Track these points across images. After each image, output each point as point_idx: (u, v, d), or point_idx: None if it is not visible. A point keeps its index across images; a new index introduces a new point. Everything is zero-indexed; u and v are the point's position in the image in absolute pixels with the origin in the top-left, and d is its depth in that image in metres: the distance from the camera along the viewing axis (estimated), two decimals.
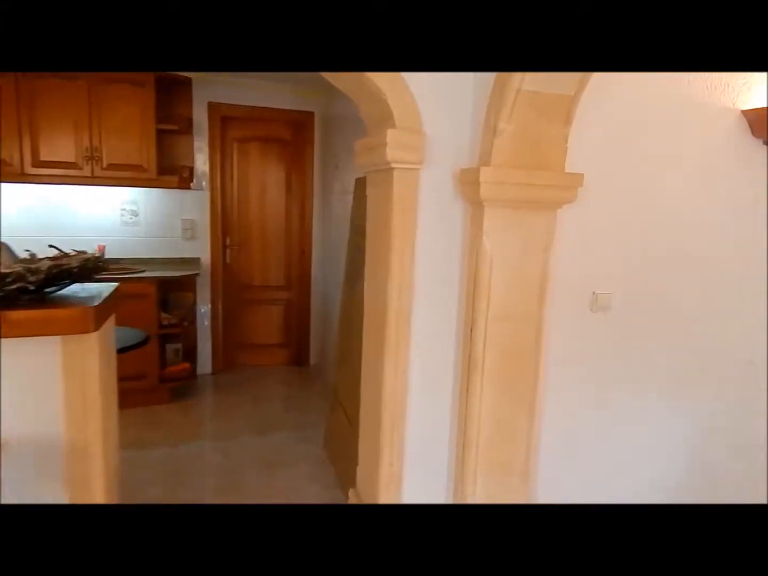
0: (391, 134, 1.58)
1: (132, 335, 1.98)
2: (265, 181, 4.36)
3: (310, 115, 4.29)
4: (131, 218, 3.85)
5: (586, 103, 1.62)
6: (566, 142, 1.64)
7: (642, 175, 1.98)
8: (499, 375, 1.71)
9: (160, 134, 3.64)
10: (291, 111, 4.23)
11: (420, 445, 1.84)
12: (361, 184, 2.60)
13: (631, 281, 2.05)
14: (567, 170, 1.66)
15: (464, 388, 1.74)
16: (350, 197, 2.98)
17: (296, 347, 4.55)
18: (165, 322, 3.45)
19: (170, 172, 3.76)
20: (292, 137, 4.36)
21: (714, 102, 2.04)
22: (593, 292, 1.99)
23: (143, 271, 3.51)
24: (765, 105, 2.02)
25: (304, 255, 4.45)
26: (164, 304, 3.61)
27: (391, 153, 1.59)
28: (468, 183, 1.64)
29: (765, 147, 2.14)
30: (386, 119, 1.64)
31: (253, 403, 3.68)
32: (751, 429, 2.49)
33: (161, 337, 3.48)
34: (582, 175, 1.65)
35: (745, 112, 2.06)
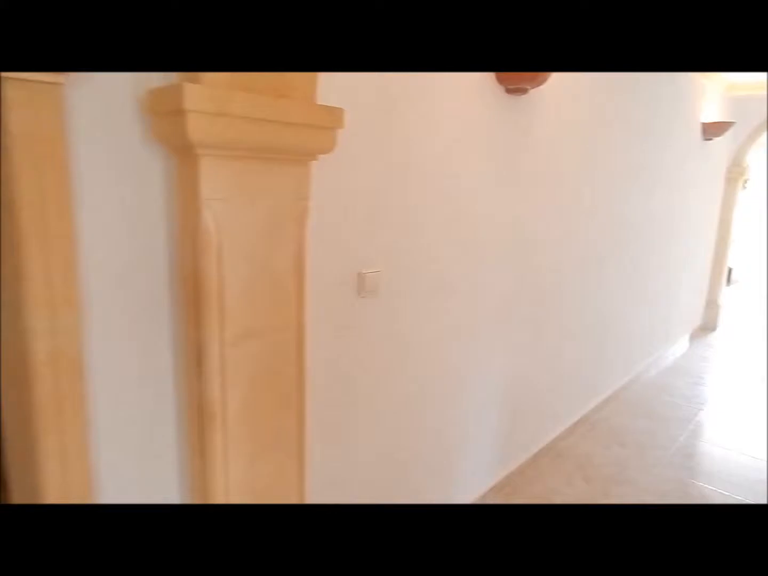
0: None
1: None
2: None
3: None
4: None
5: None
6: None
7: (397, 125, 1.58)
8: (251, 421, 1.11)
9: None
10: None
11: None
12: None
13: (398, 255, 1.67)
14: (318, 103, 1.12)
15: (197, 453, 1.09)
16: None
17: None
18: None
19: None
20: None
21: None
22: (358, 273, 1.54)
23: None
24: None
25: None
26: None
27: None
28: (165, 114, 0.95)
29: (508, 96, 1.97)
30: None
31: None
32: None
33: None
34: (342, 110, 1.12)
35: None
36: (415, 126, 1.62)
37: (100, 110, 0.93)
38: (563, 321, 2.80)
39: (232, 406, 1.06)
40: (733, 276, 8.40)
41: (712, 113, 4.42)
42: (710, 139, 4.47)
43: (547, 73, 1.92)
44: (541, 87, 2.03)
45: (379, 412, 1.71)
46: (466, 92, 1.79)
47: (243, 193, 1.04)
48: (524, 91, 1.96)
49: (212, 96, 0.91)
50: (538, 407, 2.74)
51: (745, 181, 5.59)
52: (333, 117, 1.11)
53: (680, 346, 4.98)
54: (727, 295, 6.43)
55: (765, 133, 5.20)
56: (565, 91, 2.30)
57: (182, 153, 0.98)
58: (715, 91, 4.44)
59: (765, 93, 4.74)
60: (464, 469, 2.22)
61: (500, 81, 1.91)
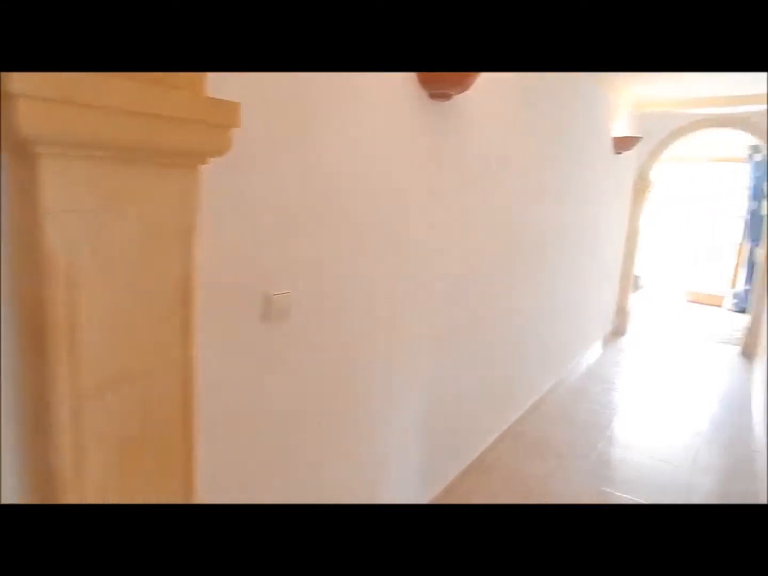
0: None
1: None
2: None
3: None
4: None
5: None
6: None
7: (309, 126, 1.40)
8: (120, 494, 0.88)
9: None
10: None
11: None
12: None
13: (312, 273, 1.49)
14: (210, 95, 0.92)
15: None
16: None
17: None
18: None
19: None
20: None
21: None
22: (265, 295, 1.34)
23: None
24: None
25: None
26: None
27: None
28: None
29: (431, 101, 1.85)
30: None
31: None
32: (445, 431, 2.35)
33: None
34: (237, 105, 0.93)
35: None
36: (329, 129, 1.45)
37: None
38: (486, 332, 2.74)
39: (91, 477, 0.83)
40: (640, 282, 8.93)
41: (621, 128, 4.61)
42: (620, 153, 4.66)
43: (472, 79, 1.82)
44: (468, 93, 1.93)
45: (290, 449, 1.52)
46: (387, 95, 1.65)
47: (107, 203, 0.82)
48: (448, 96, 1.85)
49: (54, 78, 0.69)
50: (465, 423, 2.65)
51: (649, 193, 5.91)
52: (226, 112, 0.92)
53: (594, 351, 5.15)
54: (634, 301, 6.78)
55: (667, 149, 5.52)
56: (491, 98, 2.23)
57: (16, 151, 0.74)
58: (623, 107, 4.63)
59: (668, 110, 5.02)
60: (389, 497, 2.07)
61: (423, 85, 1.79)
